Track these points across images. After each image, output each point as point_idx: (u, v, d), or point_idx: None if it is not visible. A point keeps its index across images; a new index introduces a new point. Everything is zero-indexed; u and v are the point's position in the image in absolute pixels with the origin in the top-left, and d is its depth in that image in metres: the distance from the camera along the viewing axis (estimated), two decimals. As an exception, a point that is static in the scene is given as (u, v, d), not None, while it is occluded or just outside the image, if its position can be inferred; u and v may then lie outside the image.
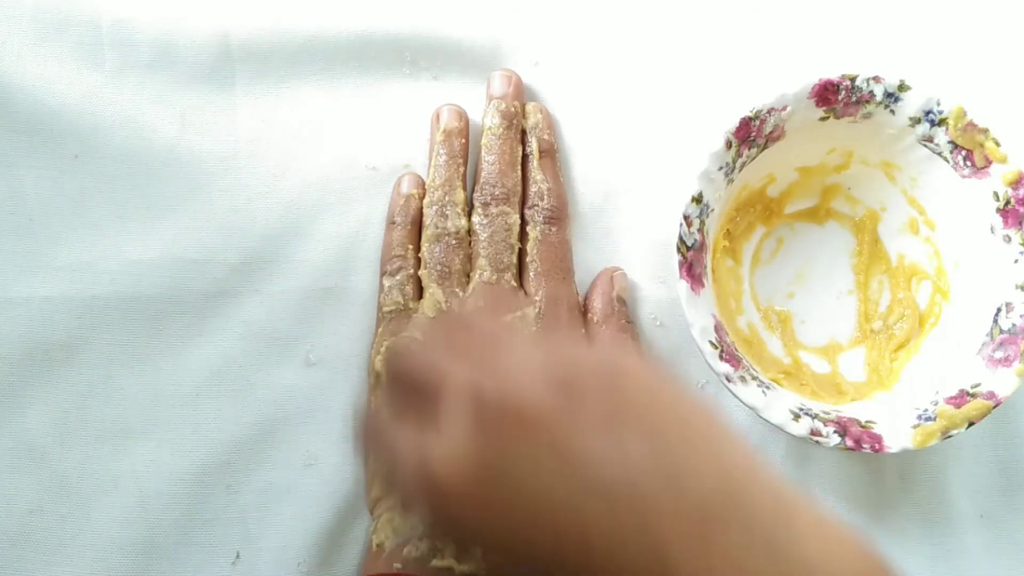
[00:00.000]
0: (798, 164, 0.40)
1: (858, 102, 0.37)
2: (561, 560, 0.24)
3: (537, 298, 0.37)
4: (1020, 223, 0.36)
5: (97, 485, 0.37)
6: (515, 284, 0.38)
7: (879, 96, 0.36)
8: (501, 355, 0.26)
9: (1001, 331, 0.36)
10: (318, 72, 0.40)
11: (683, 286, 0.35)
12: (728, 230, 0.40)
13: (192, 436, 0.38)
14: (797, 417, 0.35)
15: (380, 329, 0.38)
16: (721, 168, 0.36)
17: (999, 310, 0.36)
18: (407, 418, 0.27)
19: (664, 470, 0.24)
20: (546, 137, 0.40)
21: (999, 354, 0.36)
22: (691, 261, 0.35)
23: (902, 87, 0.36)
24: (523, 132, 0.40)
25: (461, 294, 0.38)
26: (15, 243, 0.38)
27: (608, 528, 0.24)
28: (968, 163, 0.37)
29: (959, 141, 0.37)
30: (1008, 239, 0.36)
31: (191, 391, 0.38)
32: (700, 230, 0.36)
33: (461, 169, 0.39)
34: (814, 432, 0.34)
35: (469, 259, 0.38)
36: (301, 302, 0.39)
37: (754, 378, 0.35)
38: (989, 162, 0.37)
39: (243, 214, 0.39)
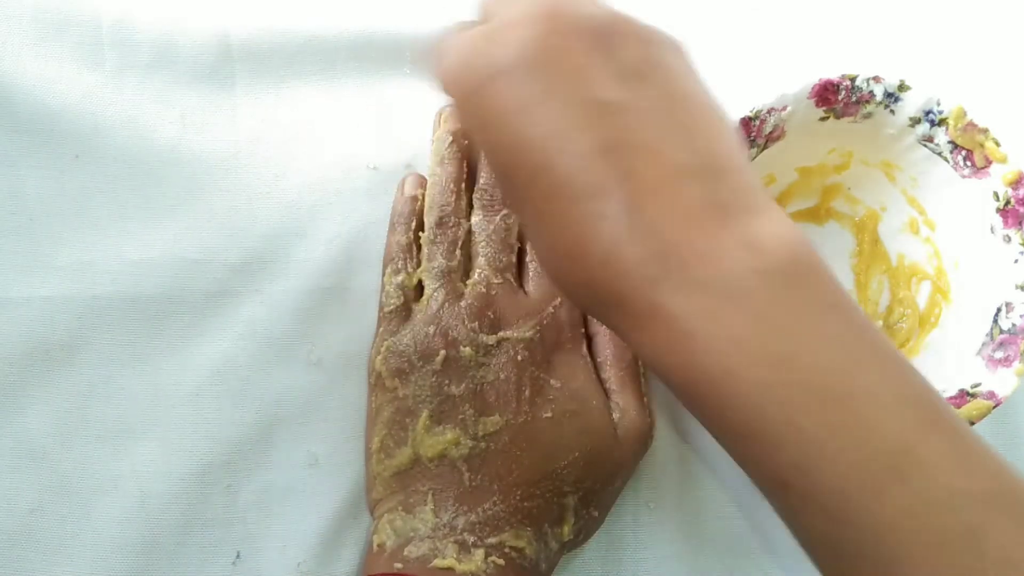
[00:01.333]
0: (798, 164, 0.40)
1: (858, 102, 0.37)
2: (532, 173, 0.25)
3: (536, 298, 0.37)
4: (1020, 223, 0.36)
5: (97, 485, 0.37)
6: (515, 283, 0.38)
7: (879, 96, 0.36)
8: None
9: (1001, 331, 0.36)
10: (319, 72, 0.40)
11: None
12: None
13: (193, 436, 0.38)
14: None
15: (380, 329, 0.38)
16: None
17: (999, 310, 0.36)
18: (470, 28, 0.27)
19: (668, 131, 0.25)
20: None
21: (999, 354, 0.36)
22: None
23: (902, 87, 0.36)
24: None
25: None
26: (16, 243, 0.38)
27: (590, 157, 0.24)
28: (968, 163, 0.37)
29: (959, 141, 0.37)
30: (1008, 239, 0.36)
31: (192, 391, 0.38)
32: None
33: (463, 169, 0.39)
34: None
35: (470, 259, 0.38)
36: (302, 302, 0.39)
37: None
38: (989, 162, 0.37)
39: (244, 214, 0.39)
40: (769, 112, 0.36)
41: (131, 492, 0.37)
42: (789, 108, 0.36)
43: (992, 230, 0.37)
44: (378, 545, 0.35)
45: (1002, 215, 0.37)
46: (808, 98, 0.36)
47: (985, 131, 0.36)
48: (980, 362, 0.36)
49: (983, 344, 0.36)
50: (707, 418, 0.25)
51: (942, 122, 0.37)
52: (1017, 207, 0.36)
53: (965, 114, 0.36)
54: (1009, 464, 0.25)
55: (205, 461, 0.37)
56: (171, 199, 0.39)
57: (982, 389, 0.35)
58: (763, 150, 0.37)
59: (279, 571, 0.37)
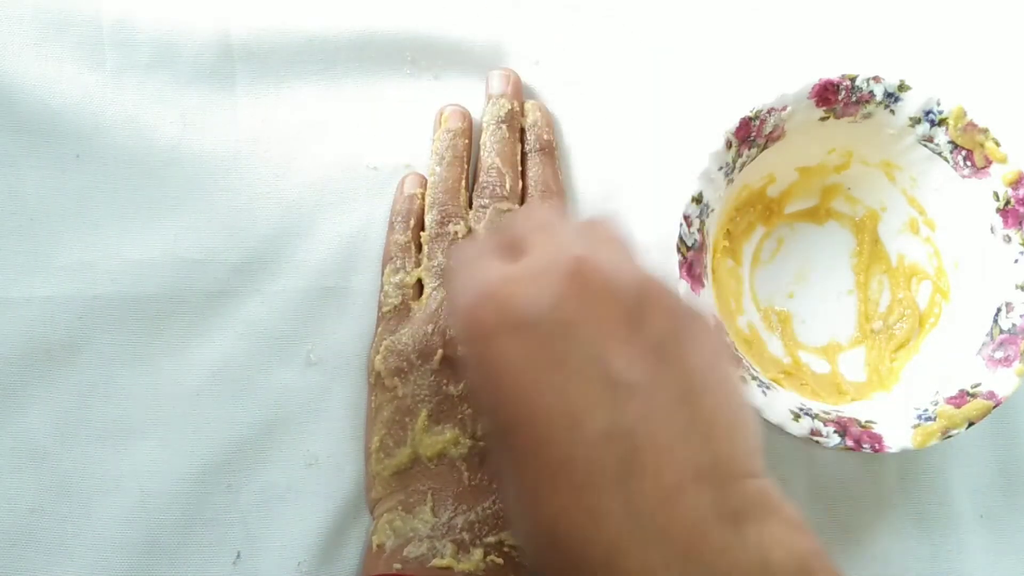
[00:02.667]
0: (798, 164, 0.40)
1: (858, 102, 0.37)
2: (537, 443, 0.24)
3: None
4: (1020, 223, 0.36)
5: (98, 485, 0.37)
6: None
7: (879, 96, 0.37)
8: (603, 243, 0.27)
9: (1001, 331, 0.36)
10: (319, 72, 0.40)
11: (683, 286, 0.35)
12: (728, 230, 0.40)
13: (193, 436, 0.38)
14: (797, 417, 0.35)
15: (380, 328, 0.38)
16: (721, 168, 0.36)
17: (999, 310, 0.36)
18: (492, 254, 0.27)
19: (676, 420, 0.24)
20: (545, 135, 0.40)
21: (999, 354, 0.36)
22: (691, 261, 0.35)
23: (902, 87, 0.36)
24: (522, 130, 0.40)
25: None
26: (16, 243, 0.38)
27: (602, 443, 0.23)
28: (968, 163, 0.37)
29: (959, 141, 0.37)
30: (1008, 239, 0.36)
31: (192, 391, 0.38)
32: (700, 230, 0.36)
33: (463, 169, 0.39)
34: (814, 432, 0.34)
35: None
36: (302, 302, 0.39)
37: (754, 378, 0.35)
38: (989, 162, 0.37)
39: (244, 214, 0.39)
40: (769, 112, 0.36)
41: (132, 492, 0.37)
42: (789, 108, 0.36)
43: (992, 230, 0.37)
44: (377, 545, 0.35)
45: (1002, 215, 0.37)
46: (808, 98, 0.36)
47: (985, 131, 0.36)
48: (980, 362, 0.36)
49: (983, 344, 0.36)
50: None
51: (942, 122, 0.37)
52: (1017, 207, 0.36)
53: (965, 114, 0.36)
54: None
55: (205, 461, 0.37)
56: (171, 199, 0.39)
57: (982, 389, 0.35)
58: (763, 150, 0.37)
59: (279, 570, 0.37)
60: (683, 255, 0.35)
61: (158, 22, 0.40)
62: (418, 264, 0.38)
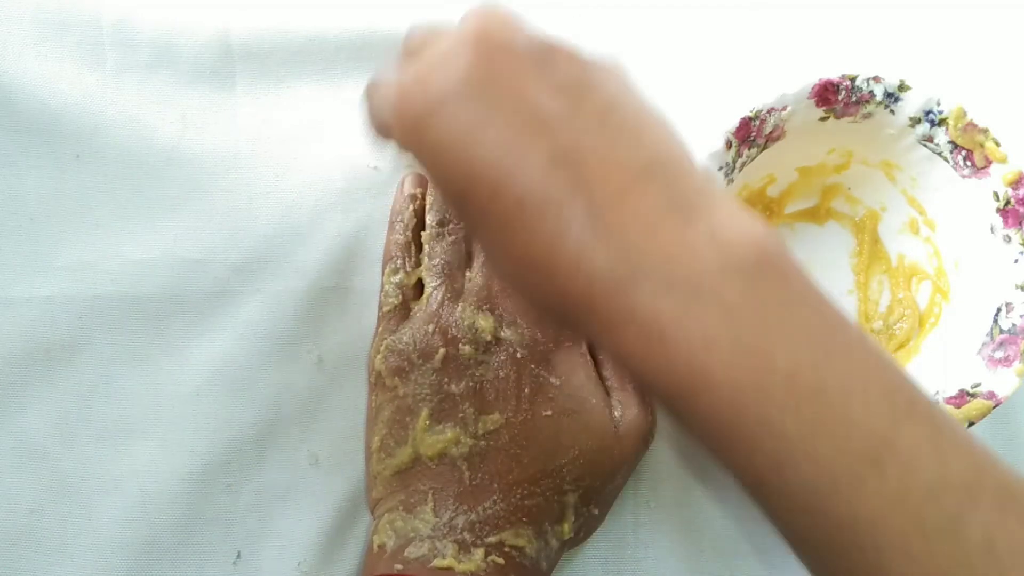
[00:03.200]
0: (798, 164, 0.40)
1: (858, 102, 0.37)
2: (488, 198, 0.24)
3: None
4: (1020, 223, 0.36)
5: (98, 485, 0.37)
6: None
7: (879, 96, 0.36)
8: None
9: (1001, 331, 0.36)
10: (319, 72, 0.40)
11: None
12: None
13: (193, 436, 0.38)
14: None
15: (380, 328, 0.38)
16: (721, 168, 0.36)
17: (999, 310, 0.36)
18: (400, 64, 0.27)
19: (616, 136, 0.25)
20: None
21: (999, 354, 0.36)
22: None
23: (902, 87, 0.36)
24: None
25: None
26: (16, 243, 0.38)
27: (542, 169, 0.24)
28: (968, 163, 0.37)
29: (959, 141, 0.37)
30: (1008, 239, 0.36)
31: (192, 391, 0.38)
32: None
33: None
34: None
35: (470, 257, 0.38)
36: (302, 302, 0.39)
37: None
38: (989, 162, 0.37)
39: (244, 214, 0.39)
40: (769, 112, 0.36)
41: (132, 492, 0.37)
42: (789, 108, 0.36)
43: (992, 230, 0.37)
44: (378, 546, 0.35)
45: (1002, 215, 0.37)
46: (808, 98, 0.36)
47: (985, 131, 0.36)
48: (980, 362, 0.36)
49: (983, 344, 0.36)
50: (683, 419, 0.25)
51: (942, 122, 0.37)
52: (1017, 207, 0.36)
53: (965, 114, 0.36)
54: (990, 452, 0.25)
55: (206, 461, 0.37)
56: (172, 199, 0.39)
57: (982, 389, 0.35)
58: (763, 150, 0.37)
59: (279, 570, 0.37)
60: None
61: (158, 22, 0.40)
62: (418, 264, 0.38)
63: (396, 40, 0.40)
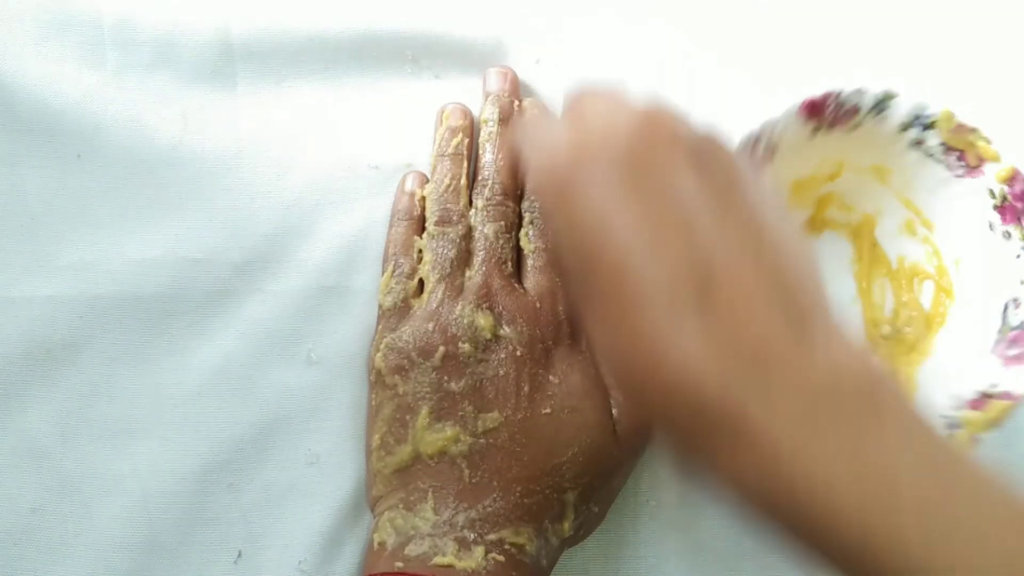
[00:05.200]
0: (790, 178, 0.40)
1: (846, 115, 0.37)
2: (617, 270, 0.25)
3: (534, 294, 0.38)
4: (1019, 218, 0.36)
5: (99, 484, 0.37)
6: (514, 278, 0.38)
7: (866, 107, 0.37)
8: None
9: (1011, 328, 0.36)
10: (320, 71, 0.41)
11: None
12: None
13: (194, 435, 0.38)
14: None
15: (380, 326, 0.38)
16: None
17: (1007, 307, 0.36)
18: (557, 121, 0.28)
19: (750, 253, 0.26)
20: None
21: (1012, 351, 0.36)
22: None
23: (888, 96, 0.36)
24: (521, 128, 0.41)
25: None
26: (17, 242, 0.38)
27: (673, 262, 0.25)
28: (961, 163, 0.37)
29: (951, 143, 0.37)
30: (1008, 235, 0.36)
31: (193, 390, 0.38)
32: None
33: (464, 166, 0.39)
34: None
35: (470, 255, 0.38)
36: (303, 301, 0.39)
37: None
38: (982, 160, 0.37)
39: (245, 213, 0.39)
40: (759, 136, 0.36)
41: (133, 491, 0.37)
42: (779, 128, 0.36)
43: (991, 227, 0.37)
44: (379, 544, 0.35)
45: (1000, 212, 0.37)
46: (797, 115, 0.36)
47: (975, 131, 0.36)
48: (995, 360, 0.36)
49: (996, 342, 0.36)
50: (797, 531, 0.25)
51: (932, 125, 0.37)
52: (1014, 203, 0.36)
53: (953, 116, 0.36)
54: None
55: (206, 460, 0.37)
56: (173, 198, 0.39)
57: (999, 390, 0.35)
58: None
59: (280, 569, 0.37)
60: None
61: (159, 22, 0.40)
62: (419, 262, 0.38)
63: (397, 39, 0.41)
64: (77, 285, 0.38)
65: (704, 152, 0.27)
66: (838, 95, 0.36)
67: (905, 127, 0.37)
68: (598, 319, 0.26)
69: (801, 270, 0.26)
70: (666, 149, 0.26)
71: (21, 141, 0.39)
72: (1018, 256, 0.36)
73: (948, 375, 0.38)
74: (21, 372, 0.37)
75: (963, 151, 0.37)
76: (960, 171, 0.37)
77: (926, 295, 0.40)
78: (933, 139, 0.37)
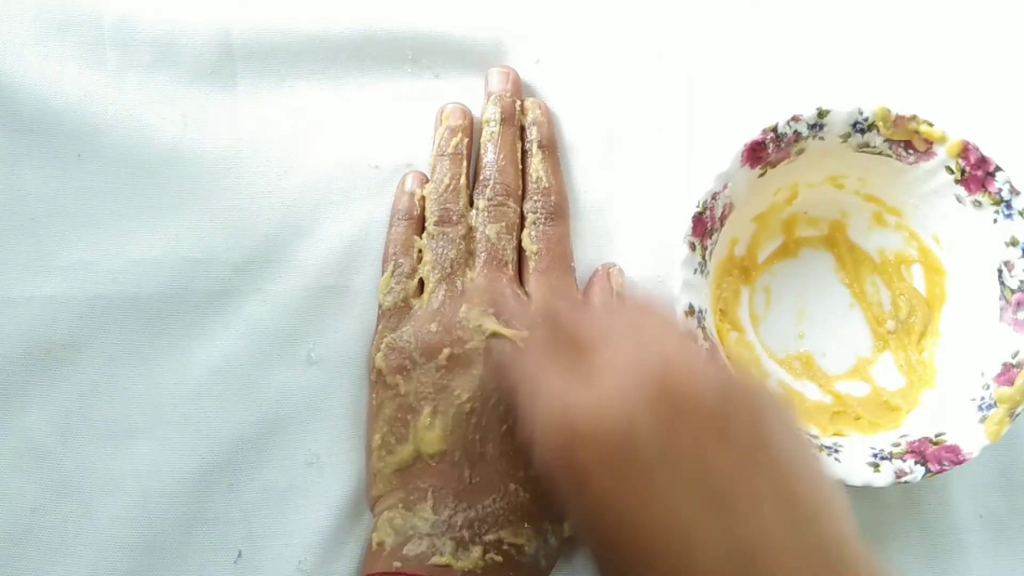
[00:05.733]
0: (752, 216, 0.40)
1: (787, 145, 0.37)
2: (651, 552, 0.24)
3: (536, 296, 0.38)
4: (983, 185, 0.36)
5: (99, 484, 0.37)
6: (515, 280, 0.38)
7: (804, 132, 0.37)
8: (672, 342, 0.27)
9: (1012, 291, 0.36)
10: (320, 71, 0.41)
11: None
12: (720, 309, 0.40)
13: (194, 435, 0.38)
14: (876, 467, 0.35)
15: (380, 326, 0.38)
16: (696, 270, 0.36)
17: (1000, 271, 0.37)
18: (559, 360, 0.27)
19: (782, 519, 0.25)
20: (545, 133, 0.40)
21: (1021, 315, 0.36)
22: None
23: (821, 114, 0.37)
24: (522, 128, 0.40)
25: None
26: (18, 242, 0.38)
27: (714, 546, 0.24)
28: (910, 151, 0.37)
29: (894, 136, 0.37)
30: (979, 204, 0.37)
31: (193, 390, 0.38)
32: (706, 337, 0.36)
33: (464, 166, 0.39)
34: (899, 473, 0.34)
35: (471, 255, 0.38)
36: (303, 301, 0.39)
37: (820, 448, 0.35)
38: (930, 143, 0.37)
39: (245, 213, 0.39)
40: (714, 197, 0.36)
41: (133, 491, 0.37)
42: (729, 184, 0.36)
43: (959, 200, 0.37)
44: (378, 543, 0.35)
45: (963, 184, 0.37)
46: (742, 166, 0.36)
47: (914, 118, 0.37)
48: (1007, 328, 0.36)
49: (1001, 309, 0.36)
50: None
51: (871, 127, 0.37)
52: (973, 172, 0.36)
53: (889, 111, 0.37)
54: None
55: (206, 460, 0.37)
56: (173, 198, 0.39)
57: (1022, 357, 0.35)
58: (720, 230, 0.37)
59: (280, 569, 0.37)
60: None
61: (159, 22, 0.40)
62: (419, 262, 0.38)
63: (397, 39, 0.41)
64: (77, 285, 0.38)
65: (726, 401, 0.26)
66: (774, 129, 0.36)
67: (846, 136, 0.37)
68: None
69: (836, 519, 0.26)
70: (686, 415, 0.25)
71: (21, 141, 0.39)
72: (995, 221, 0.36)
73: (966, 354, 0.38)
74: (21, 372, 0.37)
75: (908, 140, 0.37)
76: (912, 158, 0.37)
77: (918, 279, 0.40)
78: (876, 139, 0.37)
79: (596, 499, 0.25)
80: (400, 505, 0.35)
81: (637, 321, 0.29)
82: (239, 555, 0.37)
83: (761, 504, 0.25)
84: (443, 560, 0.33)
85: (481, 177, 0.39)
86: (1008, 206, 0.36)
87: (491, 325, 0.36)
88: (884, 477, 0.34)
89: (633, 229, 0.41)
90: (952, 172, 0.37)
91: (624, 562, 0.25)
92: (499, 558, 0.34)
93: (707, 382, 0.26)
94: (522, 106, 0.41)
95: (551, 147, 0.40)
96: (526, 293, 0.38)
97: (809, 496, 0.26)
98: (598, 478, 0.25)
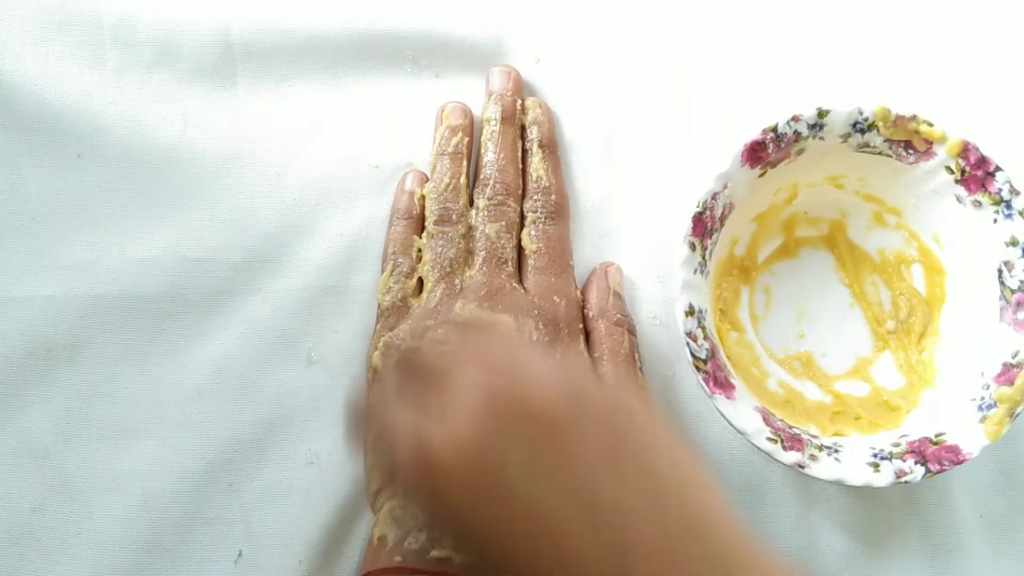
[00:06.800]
0: (751, 216, 0.40)
1: (787, 145, 0.37)
2: (530, 563, 0.25)
3: (534, 294, 0.38)
4: (983, 185, 0.36)
5: (99, 484, 0.37)
6: (514, 278, 0.38)
7: (804, 132, 0.37)
8: (515, 358, 0.27)
9: (1012, 291, 0.36)
10: (320, 71, 0.41)
11: (720, 400, 0.35)
12: (720, 309, 0.40)
13: (194, 434, 0.38)
14: (876, 467, 0.35)
15: (379, 324, 0.38)
16: (696, 270, 0.36)
17: (1000, 271, 0.37)
18: (408, 400, 0.27)
19: (649, 506, 0.25)
20: (546, 132, 0.40)
21: (1021, 315, 0.36)
22: (712, 371, 0.35)
23: (821, 114, 0.37)
24: (523, 127, 0.40)
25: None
26: (18, 242, 0.38)
27: (585, 544, 0.25)
28: (910, 151, 0.37)
29: (894, 136, 0.37)
30: (979, 204, 0.37)
31: (193, 390, 0.38)
32: (706, 337, 0.36)
33: (464, 165, 0.39)
34: (899, 473, 0.34)
35: (470, 254, 0.38)
36: (303, 300, 0.39)
37: (820, 448, 0.35)
38: (929, 143, 0.37)
39: (245, 213, 0.39)
40: (714, 197, 0.36)
41: (133, 491, 0.37)
42: (729, 184, 0.36)
43: (959, 200, 0.37)
44: (378, 538, 0.35)
45: (963, 184, 0.37)
46: (742, 166, 0.36)
47: (914, 118, 0.37)
48: (1007, 328, 0.36)
49: (1001, 309, 0.36)
50: None
51: (871, 127, 0.37)
52: (973, 172, 0.36)
53: (889, 111, 0.37)
54: None
55: (206, 459, 0.38)
56: (173, 198, 0.39)
57: (1022, 357, 0.35)
58: (720, 230, 0.37)
59: (280, 569, 0.37)
60: (703, 371, 0.35)
61: (159, 22, 0.40)
62: (418, 261, 0.38)
63: (397, 38, 0.41)
64: (77, 285, 0.38)
65: (579, 407, 0.26)
66: (774, 129, 0.36)
67: (846, 136, 0.37)
68: None
69: (711, 506, 0.26)
70: (544, 434, 0.25)
71: (21, 141, 0.39)
72: (995, 221, 0.36)
73: (966, 354, 0.38)
74: (21, 371, 0.37)
75: (908, 140, 0.37)
76: (912, 158, 0.37)
77: (918, 279, 0.40)
78: (876, 139, 0.37)
79: (466, 526, 0.26)
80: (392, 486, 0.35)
81: (479, 344, 0.29)
82: (239, 554, 0.37)
83: (626, 497, 0.25)
84: (443, 553, 0.33)
85: (481, 176, 0.39)
86: (1008, 206, 0.36)
87: (478, 313, 0.36)
88: (884, 477, 0.34)
89: (633, 229, 0.41)
90: (952, 172, 0.37)
91: (492, 564, 0.26)
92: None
93: (556, 391, 0.26)
94: (523, 105, 0.41)
95: (552, 146, 0.40)
96: (525, 290, 0.38)
97: (675, 481, 0.26)
98: (465, 506, 0.25)
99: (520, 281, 0.38)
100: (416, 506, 0.27)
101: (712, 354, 0.35)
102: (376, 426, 0.29)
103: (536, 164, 0.40)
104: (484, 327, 0.32)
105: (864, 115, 0.37)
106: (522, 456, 0.25)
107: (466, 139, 0.40)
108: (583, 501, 0.25)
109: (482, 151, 0.40)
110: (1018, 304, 0.36)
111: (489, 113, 0.40)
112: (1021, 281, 0.36)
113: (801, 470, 0.34)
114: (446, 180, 0.39)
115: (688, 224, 0.36)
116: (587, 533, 0.25)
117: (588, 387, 0.27)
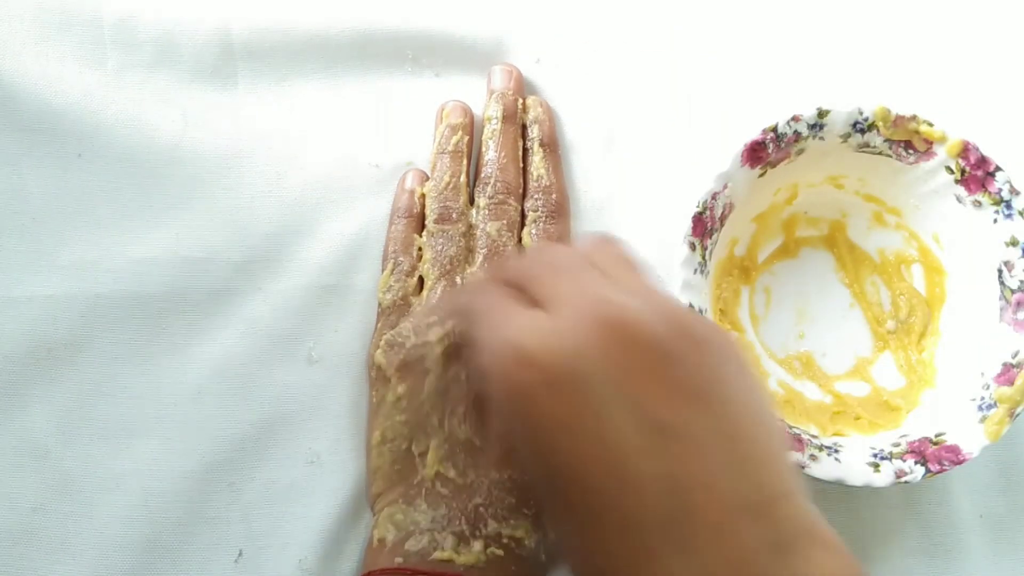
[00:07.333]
0: (751, 216, 0.40)
1: (787, 145, 0.37)
2: (586, 492, 0.25)
3: None
4: (983, 186, 0.36)
5: (100, 483, 0.37)
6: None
7: (804, 132, 0.37)
8: (619, 292, 0.27)
9: (1012, 291, 0.36)
10: (320, 70, 0.41)
11: None
12: (720, 309, 0.40)
13: (195, 434, 0.38)
14: (876, 467, 0.35)
15: (380, 323, 0.38)
16: (696, 270, 0.36)
17: (1000, 272, 0.37)
18: (515, 296, 0.27)
19: (726, 464, 0.25)
20: (547, 131, 0.40)
21: (1021, 315, 0.36)
22: None
23: (821, 114, 0.37)
24: (523, 126, 0.40)
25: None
26: (18, 242, 0.38)
27: (645, 477, 0.24)
28: (910, 151, 0.37)
29: (894, 136, 0.37)
30: (979, 204, 0.37)
31: (194, 389, 0.38)
32: None
33: (464, 164, 0.39)
34: (899, 473, 0.34)
35: (471, 252, 0.38)
36: (304, 300, 0.39)
37: (820, 448, 0.35)
38: (929, 143, 0.37)
39: (246, 212, 0.39)
40: (714, 198, 0.36)
41: (133, 490, 0.37)
42: (729, 184, 0.36)
43: (959, 200, 0.37)
44: (378, 540, 0.35)
45: (963, 184, 0.37)
46: (742, 166, 0.37)
47: (914, 118, 0.37)
48: (1007, 328, 0.36)
49: (1001, 309, 0.36)
50: None
51: (872, 127, 0.37)
52: (973, 172, 0.36)
53: (889, 111, 0.37)
54: None
55: (207, 459, 0.37)
56: (173, 198, 0.39)
57: (1022, 357, 0.35)
58: (720, 230, 0.37)
59: (281, 568, 0.37)
60: None
61: (159, 22, 0.40)
62: (419, 260, 0.38)
63: (397, 38, 0.41)
64: (78, 284, 0.38)
65: (675, 344, 0.26)
66: (774, 128, 0.36)
67: (846, 136, 0.37)
68: (564, 525, 0.26)
69: (777, 473, 0.26)
70: (634, 350, 0.25)
71: (22, 141, 0.39)
72: (995, 221, 0.36)
73: (966, 354, 0.38)
74: (22, 371, 0.37)
75: (908, 140, 0.37)
76: (912, 158, 0.37)
77: (918, 279, 0.40)
78: (876, 139, 0.37)
79: (538, 421, 0.25)
80: (400, 500, 0.35)
81: (595, 260, 0.29)
82: (240, 554, 0.37)
83: (703, 442, 0.25)
84: (445, 555, 0.33)
85: (482, 175, 0.39)
86: (1008, 206, 0.36)
87: None
88: (884, 477, 0.34)
89: (633, 229, 0.41)
90: (952, 172, 0.37)
91: (564, 497, 0.26)
92: (500, 552, 0.34)
93: (655, 317, 0.26)
94: (524, 104, 0.41)
95: (552, 145, 0.40)
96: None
97: (753, 438, 0.26)
98: (542, 399, 0.25)
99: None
100: (495, 397, 0.27)
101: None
102: (480, 299, 0.29)
103: (537, 163, 0.40)
104: (605, 242, 0.32)
105: (864, 115, 0.37)
106: (610, 373, 0.25)
107: (466, 138, 0.40)
108: (658, 436, 0.25)
109: (483, 149, 0.40)
110: (1018, 304, 0.36)
111: (490, 112, 0.40)
112: (1021, 281, 0.36)
113: (801, 470, 0.34)
114: (446, 178, 0.39)
115: (688, 224, 0.36)
116: (655, 469, 0.24)
117: (690, 324, 0.27)
